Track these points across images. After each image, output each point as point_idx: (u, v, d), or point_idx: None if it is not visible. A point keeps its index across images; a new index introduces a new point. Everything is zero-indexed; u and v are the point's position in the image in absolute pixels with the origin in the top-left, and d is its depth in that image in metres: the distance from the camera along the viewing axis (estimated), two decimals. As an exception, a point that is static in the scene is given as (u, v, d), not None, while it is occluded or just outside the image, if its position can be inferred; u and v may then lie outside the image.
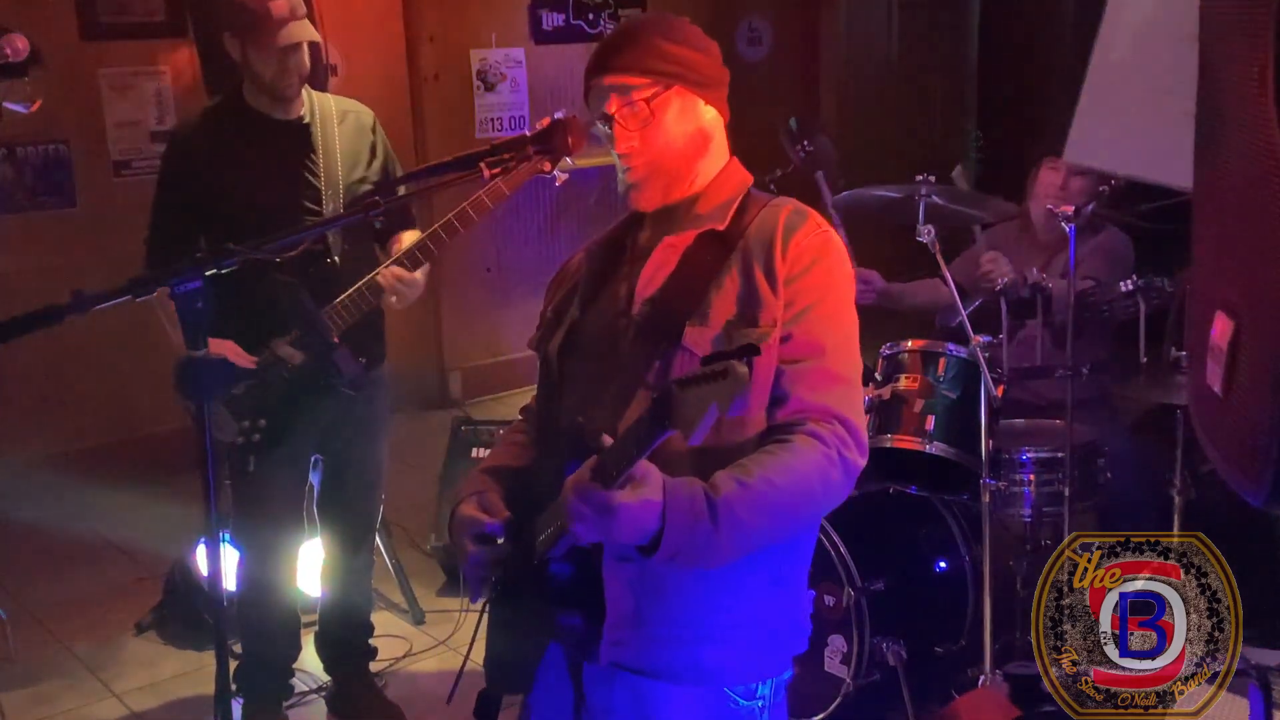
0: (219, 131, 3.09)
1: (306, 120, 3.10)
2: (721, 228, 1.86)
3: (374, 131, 3.23)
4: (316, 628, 3.53)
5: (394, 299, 3.02)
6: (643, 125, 1.87)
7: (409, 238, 3.18)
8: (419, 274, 3.05)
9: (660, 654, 1.76)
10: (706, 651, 1.77)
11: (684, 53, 1.89)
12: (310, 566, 3.66)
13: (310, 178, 3.08)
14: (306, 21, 3.02)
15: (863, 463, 1.72)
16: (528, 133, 2.11)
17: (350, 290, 3.02)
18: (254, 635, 3.34)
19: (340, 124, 3.15)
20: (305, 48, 3.01)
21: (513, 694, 1.96)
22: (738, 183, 1.95)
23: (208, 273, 1.81)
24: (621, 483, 1.55)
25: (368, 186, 3.18)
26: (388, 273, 3.00)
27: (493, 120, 6.31)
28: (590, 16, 6.60)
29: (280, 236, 2.89)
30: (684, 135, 1.89)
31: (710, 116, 1.94)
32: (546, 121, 2.14)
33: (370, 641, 3.57)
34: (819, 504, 1.73)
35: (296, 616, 3.41)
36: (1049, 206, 3.47)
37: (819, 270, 1.78)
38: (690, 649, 1.76)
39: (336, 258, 3.09)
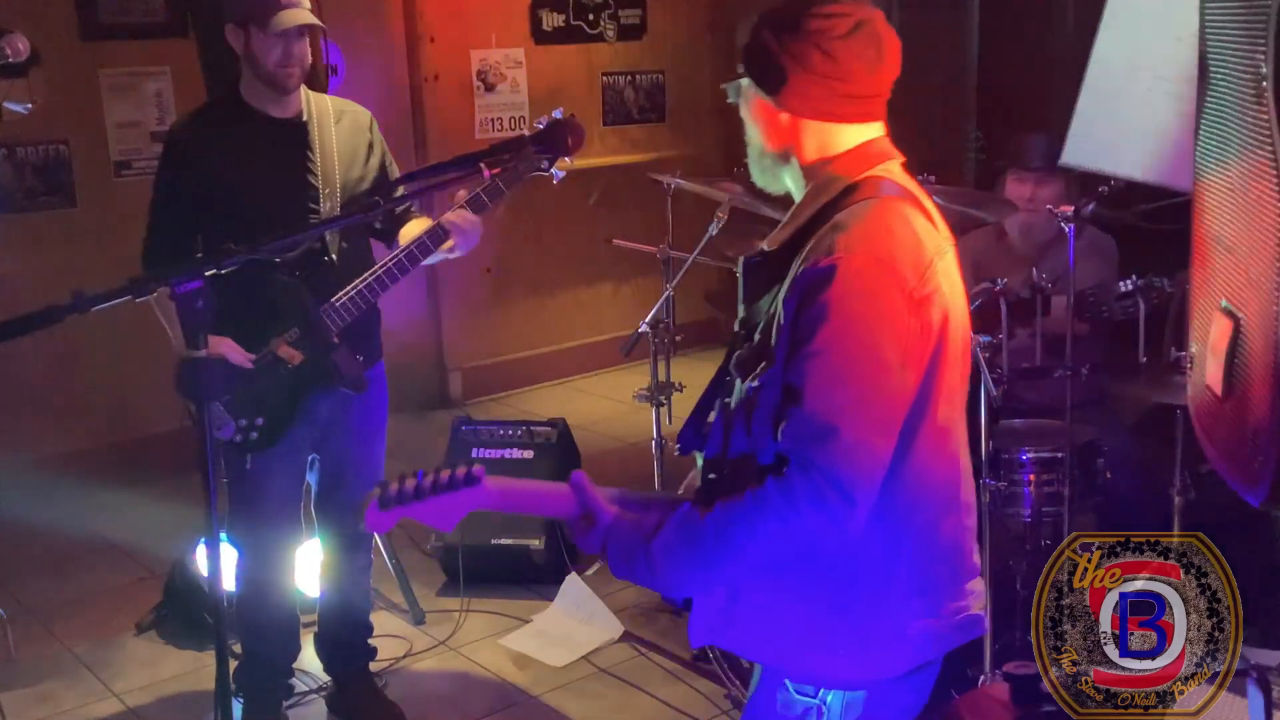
0: (216, 130, 3.08)
1: (304, 119, 3.10)
2: (771, 247, 1.80)
3: (371, 130, 3.23)
4: (316, 628, 3.53)
5: (458, 243, 3.01)
6: (742, 109, 1.84)
7: (415, 229, 3.15)
8: (478, 220, 3.05)
9: (738, 641, 1.89)
10: (773, 647, 1.84)
11: (765, 44, 1.78)
12: (309, 566, 3.66)
13: (308, 176, 3.08)
14: (308, 8, 3.02)
15: (851, 508, 1.63)
16: (526, 133, 2.11)
17: (349, 289, 3.03)
18: (253, 635, 3.34)
19: (337, 123, 3.15)
20: (307, 37, 3.01)
21: None
22: (819, 193, 1.79)
23: (208, 273, 1.81)
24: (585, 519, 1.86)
25: (365, 186, 3.19)
26: (456, 215, 3.00)
27: (493, 120, 6.31)
28: (590, 16, 6.60)
29: (280, 236, 2.90)
30: (758, 133, 1.84)
31: (785, 120, 1.79)
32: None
33: (370, 641, 3.58)
34: (778, 546, 1.69)
35: (295, 616, 3.41)
36: (1049, 207, 3.46)
37: (818, 305, 1.65)
38: (761, 644, 1.86)
39: (334, 256, 3.09)
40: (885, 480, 1.68)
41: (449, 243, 3.03)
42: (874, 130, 1.82)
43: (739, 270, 1.91)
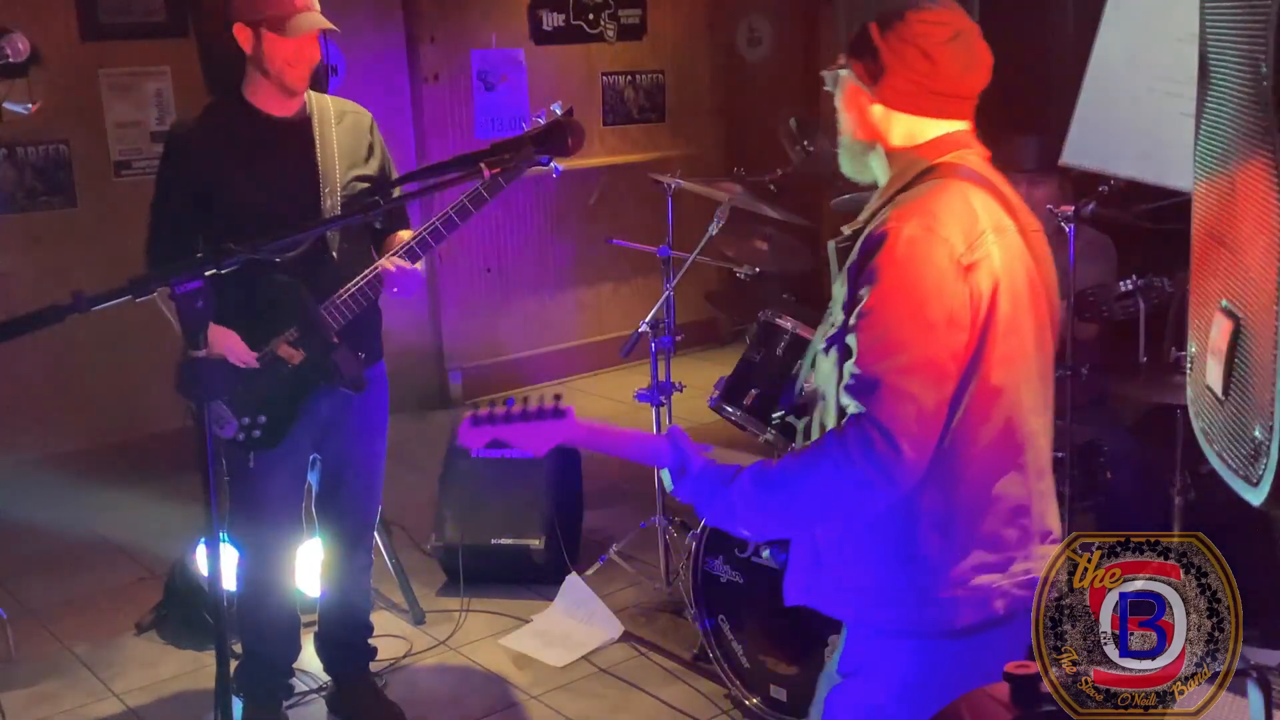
0: (219, 129, 3.08)
1: (307, 118, 3.10)
2: (847, 230, 1.95)
3: (371, 132, 3.23)
4: (316, 628, 3.53)
5: (395, 289, 3.03)
6: (836, 98, 1.97)
7: (406, 236, 3.18)
8: (419, 266, 3.07)
9: (820, 598, 2.01)
10: (848, 603, 1.98)
11: (871, 40, 1.90)
12: (310, 566, 3.66)
13: (310, 176, 3.08)
14: (318, 10, 3.02)
15: (899, 458, 1.74)
16: (525, 125, 2.11)
17: (349, 286, 3.03)
18: (253, 635, 3.34)
19: (339, 123, 3.15)
20: (318, 38, 3.02)
21: None
22: (898, 179, 1.93)
23: (208, 273, 1.81)
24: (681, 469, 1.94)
25: (365, 186, 3.19)
26: (390, 262, 3.01)
27: (493, 120, 6.31)
28: (590, 17, 6.60)
29: (280, 236, 2.90)
30: (850, 121, 1.96)
31: (877, 112, 1.93)
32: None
33: (370, 641, 3.58)
34: (837, 496, 1.81)
35: (296, 616, 3.41)
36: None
37: (869, 270, 1.80)
38: (838, 599, 1.99)
39: (335, 255, 3.10)
40: (943, 435, 1.81)
41: (394, 289, 3.04)
42: (959, 125, 1.97)
43: (830, 254, 2.03)
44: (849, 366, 1.80)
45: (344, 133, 3.15)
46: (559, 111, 2.82)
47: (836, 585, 1.97)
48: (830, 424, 1.90)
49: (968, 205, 1.86)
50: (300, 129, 3.09)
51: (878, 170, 1.98)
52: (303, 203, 3.06)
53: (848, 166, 2.03)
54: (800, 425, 2.07)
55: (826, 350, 1.91)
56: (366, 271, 3.05)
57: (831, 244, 2.02)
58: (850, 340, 1.81)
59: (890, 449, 1.74)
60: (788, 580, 2.06)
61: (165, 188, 3.11)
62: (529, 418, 1.93)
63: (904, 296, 1.78)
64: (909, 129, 1.93)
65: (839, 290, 1.92)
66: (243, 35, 2.99)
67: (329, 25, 3.02)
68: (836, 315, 1.90)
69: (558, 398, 1.94)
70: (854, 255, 1.87)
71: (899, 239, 1.79)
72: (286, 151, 3.08)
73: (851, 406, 1.78)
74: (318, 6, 3.03)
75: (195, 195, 3.03)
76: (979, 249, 1.83)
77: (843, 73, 1.96)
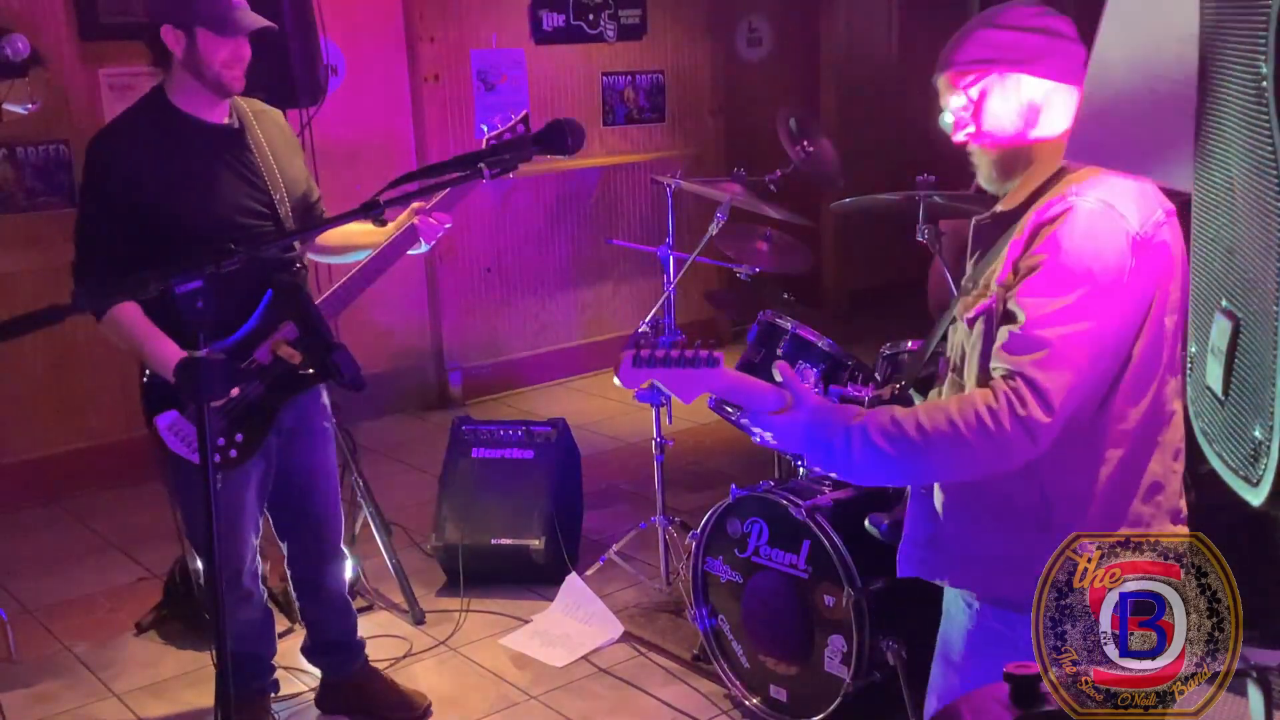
0: (151, 138, 2.92)
1: (235, 125, 3.02)
2: (1005, 208, 1.98)
3: (288, 129, 3.21)
4: (305, 639, 3.54)
5: (425, 240, 3.01)
6: (971, 113, 1.99)
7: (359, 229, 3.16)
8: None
9: (937, 568, 2.06)
10: (969, 574, 2.02)
11: (1003, 35, 1.96)
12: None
13: (255, 179, 3.01)
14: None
15: (1048, 420, 1.78)
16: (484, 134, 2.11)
17: (334, 288, 3.03)
18: (231, 638, 3.31)
19: (259, 123, 3.08)
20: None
21: None
22: (1053, 162, 1.96)
23: (207, 272, 1.81)
24: (786, 407, 1.92)
25: (301, 185, 3.13)
26: (420, 218, 2.99)
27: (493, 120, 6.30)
28: (590, 17, 6.60)
29: (280, 237, 2.90)
30: (1011, 113, 1.97)
31: (1040, 90, 1.96)
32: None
33: (369, 640, 3.59)
34: (970, 452, 1.83)
35: (269, 613, 3.40)
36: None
37: (1047, 239, 1.84)
38: (959, 569, 2.03)
39: (299, 264, 3.10)
40: (1095, 407, 1.87)
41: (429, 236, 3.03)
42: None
43: (970, 232, 2.10)
44: (1008, 329, 1.84)
45: (269, 132, 3.09)
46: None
47: (960, 556, 2.01)
48: (969, 384, 1.93)
49: (1142, 188, 1.90)
50: (237, 135, 3.01)
51: (1030, 157, 2.00)
52: (255, 209, 3.00)
53: (1005, 171, 2.03)
54: (920, 400, 2.11)
55: (971, 323, 1.94)
56: (348, 275, 3.02)
57: (974, 221, 2.08)
58: (1013, 305, 1.84)
59: (1044, 410, 1.78)
60: (903, 551, 2.11)
61: (97, 204, 2.89)
62: (685, 363, 1.92)
63: (1080, 268, 1.82)
64: (1059, 107, 1.96)
65: (986, 267, 1.97)
66: (172, 37, 2.85)
67: (266, 23, 2.92)
68: (985, 287, 1.93)
69: (712, 345, 1.92)
70: (1019, 230, 1.89)
71: (1078, 211, 1.84)
72: (228, 159, 2.98)
73: (1002, 368, 1.83)
74: (247, 4, 2.94)
75: (133, 210, 2.86)
76: (1155, 231, 1.87)
77: (983, 75, 1.97)
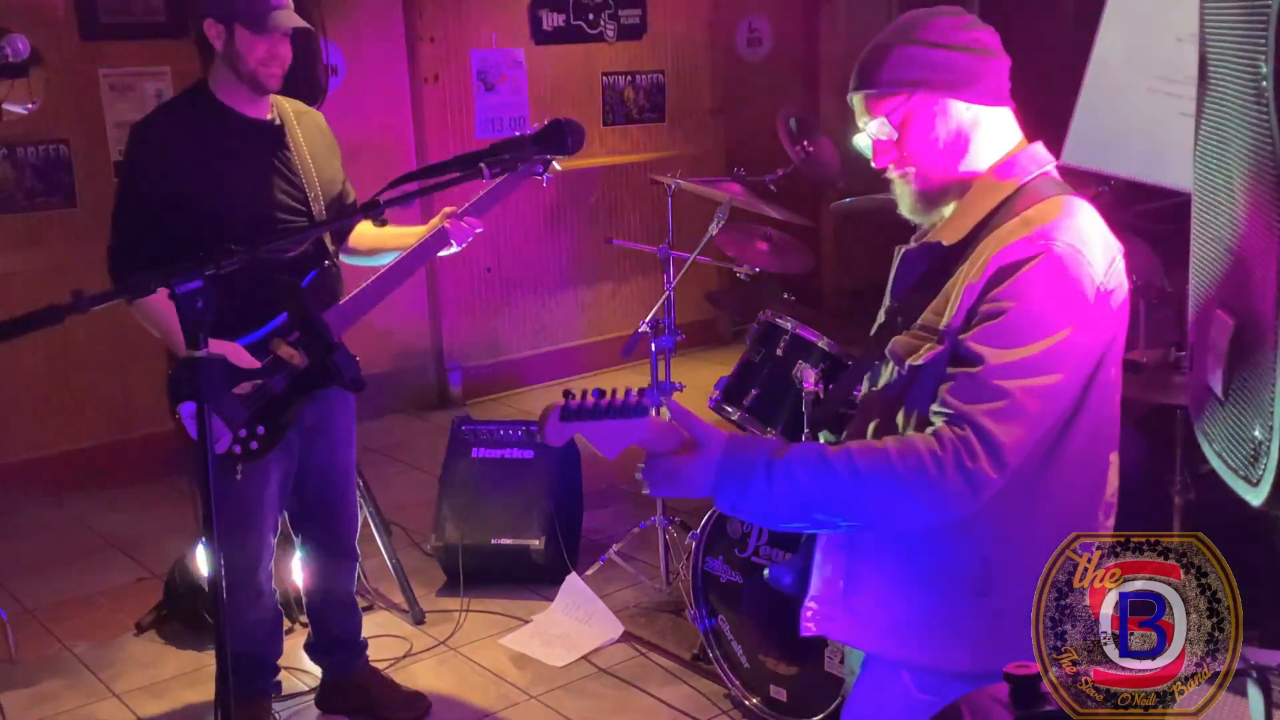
0: (196, 130, 2.97)
1: (277, 121, 3.06)
2: (949, 241, 1.81)
3: (328, 132, 3.23)
4: (310, 636, 3.54)
5: (456, 242, 3.04)
6: (892, 139, 1.82)
7: (363, 228, 3.23)
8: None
9: (854, 632, 1.91)
10: (894, 641, 1.86)
11: (932, 55, 1.79)
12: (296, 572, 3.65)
13: (292, 177, 3.05)
14: (291, 8, 2.98)
15: (995, 475, 1.67)
16: (527, 132, 2.11)
17: (357, 291, 3.03)
18: (238, 634, 3.31)
19: (300, 124, 3.12)
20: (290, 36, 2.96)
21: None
22: (994, 191, 1.82)
23: (208, 272, 1.81)
24: (687, 447, 1.75)
25: (336, 187, 3.17)
26: (452, 221, 3.02)
27: (493, 120, 6.31)
28: (590, 17, 6.60)
29: (280, 237, 2.90)
30: (939, 142, 1.82)
31: (971, 116, 1.82)
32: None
33: (369, 640, 3.59)
34: (904, 499, 1.70)
35: (279, 612, 3.41)
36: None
37: (1014, 284, 1.70)
38: (881, 635, 1.87)
39: (335, 260, 3.10)
40: (1038, 464, 1.75)
41: (451, 248, 3.05)
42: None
43: (896, 259, 1.96)
44: (963, 372, 1.70)
45: (308, 132, 3.13)
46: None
47: (876, 618, 1.86)
48: (905, 429, 1.79)
49: (1101, 227, 1.78)
50: (277, 132, 3.05)
51: (963, 187, 1.86)
52: (289, 205, 3.03)
53: (929, 201, 1.88)
54: (833, 438, 1.97)
55: (916, 369, 1.78)
56: (374, 277, 3.03)
57: (902, 251, 1.94)
58: (972, 349, 1.71)
59: (993, 465, 1.66)
60: (809, 611, 1.94)
61: (138, 191, 2.95)
62: (614, 412, 1.75)
63: (1049, 318, 1.69)
64: (988, 135, 1.84)
65: (921, 302, 1.82)
66: (213, 31, 2.90)
67: (303, 23, 2.96)
68: (933, 332, 1.78)
69: (641, 392, 1.77)
70: (974, 271, 1.74)
71: (1050, 258, 1.70)
72: (267, 153, 3.03)
73: (948, 413, 1.69)
74: (291, 4, 2.98)
75: (172, 199, 2.91)
76: (1113, 276, 1.76)
77: (908, 100, 1.81)
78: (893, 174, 1.87)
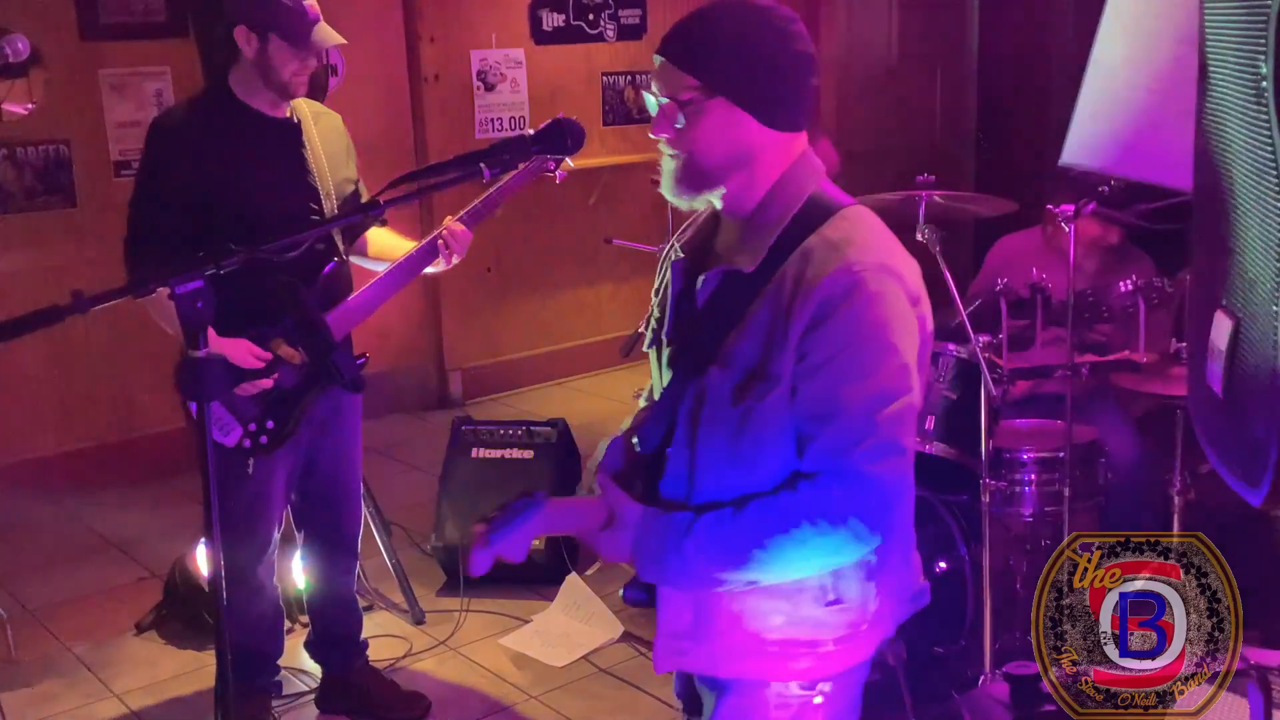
0: (215, 126, 3.00)
1: (295, 120, 3.08)
2: (749, 269, 1.74)
3: (345, 133, 3.25)
4: (309, 634, 3.54)
5: (453, 254, 3.09)
6: (679, 128, 1.75)
7: (376, 233, 3.25)
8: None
9: (709, 661, 1.88)
10: (753, 662, 1.85)
11: (751, 65, 1.72)
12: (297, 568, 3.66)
13: (308, 177, 3.07)
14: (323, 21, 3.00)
15: (887, 513, 1.68)
16: (529, 132, 2.11)
17: (361, 290, 3.05)
18: (240, 631, 3.31)
19: (317, 125, 3.14)
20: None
21: None
22: (785, 209, 1.76)
23: (208, 272, 1.81)
24: (608, 522, 1.77)
25: (351, 188, 3.19)
26: (452, 227, 3.07)
27: (493, 120, 6.31)
28: (590, 17, 6.60)
29: (283, 236, 2.89)
30: (720, 147, 1.75)
31: (760, 138, 1.75)
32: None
33: (370, 640, 3.59)
34: (794, 558, 1.71)
35: (281, 610, 3.41)
36: (1049, 206, 3.45)
37: (839, 320, 1.66)
38: (739, 657, 1.85)
39: (343, 259, 3.11)
40: None
41: (448, 257, 3.11)
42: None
43: (664, 268, 1.91)
44: (820, 429, 1.67)
45: (325, 133, 3.15)
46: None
47: (738, 640, 1.83)
48: (743, 465, 1.75)
49: (885, 229, 1.77)
50: (294, 131, 3.07)
51: (731, 197, 1.80)
52: (304, 204, 3.06)
53: (692, 193, 1.81)
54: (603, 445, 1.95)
55: (747, 409, 1.72)
56: (379, 278, 3.06)
57: (673, 263, 1.88)
58: (823, 397, 1.67)
59: (882, 505, 1.67)
60: (659, 645, 1.89)
61: (156, 184, 2.97)
62: (510, 514, 1.78)
63: (883, 344, 1.67)
64: (776, 159, 1.78)
65: (722, 333, 1.75)
66: (244, 38, 2.91)
67: (341, 40, 3.00)
68: (763, 369, 1.71)
69: (528, 493, 1.80)
70: (791, 310, 1.68)
71: (868, 286, 1.67)
72: (285, 153, 3.06)
73: (821, 471, 1.67)
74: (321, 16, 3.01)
75: (190, 194, 2.94)
76: (918, 286, 1.76)
77: (706, 99, 1.72)
78: (663, 147, 1.79)
